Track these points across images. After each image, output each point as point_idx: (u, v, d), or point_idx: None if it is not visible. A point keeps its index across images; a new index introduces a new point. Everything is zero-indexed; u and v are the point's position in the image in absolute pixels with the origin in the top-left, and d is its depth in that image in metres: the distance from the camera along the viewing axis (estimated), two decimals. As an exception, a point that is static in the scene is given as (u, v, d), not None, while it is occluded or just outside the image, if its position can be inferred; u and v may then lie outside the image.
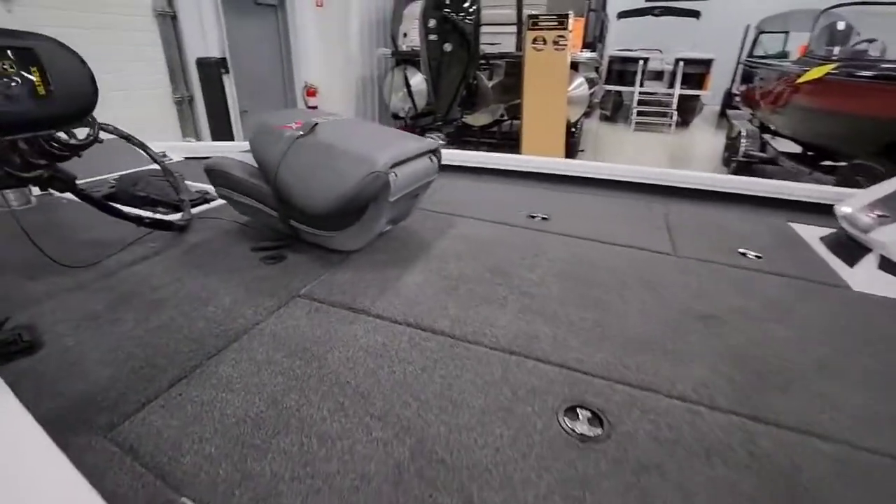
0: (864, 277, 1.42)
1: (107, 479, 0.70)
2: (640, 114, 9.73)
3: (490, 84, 5.64)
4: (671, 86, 9.76)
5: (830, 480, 0.73)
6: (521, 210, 1.90)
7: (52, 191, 1.25)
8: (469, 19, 4.76)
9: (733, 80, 10.50)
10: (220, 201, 1.85)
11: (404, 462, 0.74)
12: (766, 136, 6.19)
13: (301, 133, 1.31)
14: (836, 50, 5.38)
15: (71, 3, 3.73)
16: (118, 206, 1.38)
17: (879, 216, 1.50)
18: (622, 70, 10.26)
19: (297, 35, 6.00)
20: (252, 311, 1.14)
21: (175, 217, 1.62)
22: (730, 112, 9.03)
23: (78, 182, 1.24)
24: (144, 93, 4.45)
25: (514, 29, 5.80)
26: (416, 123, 7.40)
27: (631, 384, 0.93)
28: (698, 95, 9.78)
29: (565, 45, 4.95)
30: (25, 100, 0.63)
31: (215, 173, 1.44)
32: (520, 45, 5.60)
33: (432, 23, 4.68)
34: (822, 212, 1.88)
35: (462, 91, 5.09)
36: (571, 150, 6.20)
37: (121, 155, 2.07)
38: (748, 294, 1.30)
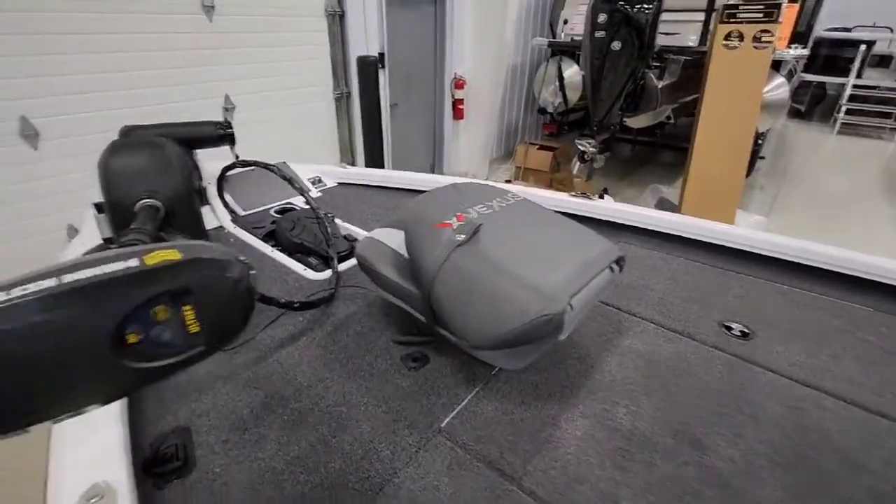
0: None
1: None
2: (849, 112, 7.74)
3: (659, 85, 4.87)
4: (906, 77, 7.53)
5: None
6: (711, 312, 1.49)
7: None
8: (647, 9, 4.09)
9: None
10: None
11: None
12: None
13: (461, 238, 1.12)
14: None
15: (257, 10, 4.06)
16: (268, 297, 1.34)
17: None
18: (832, 55, 8.19)
19: (454, 27, 5.87)
20: (390, 451, 1.02)
21: (326, 276, 1.59)
22: None
23: (242, 214, 1.19)
24: (308, 90, 4.76)
25: (697, 17, 4.88)
26: (564, 120, 6.87)
27: None
28: (948, 92, 7.38)
29: (770, 41, 3.99)
30: (179, 341, 0.52)
31: (365, 266, 1.33)
32: (704, 39, 4.70)
33: (602, 18, 4.12)
34: None
35: (627, 92, 4.47)
36: (752, 162, 5.15)
37: (275, 182, 2.04)
38: None
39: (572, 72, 5.95)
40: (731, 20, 4.09)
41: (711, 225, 1.89)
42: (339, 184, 2.54)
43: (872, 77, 8.08)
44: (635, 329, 1.41)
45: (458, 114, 6.36)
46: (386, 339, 1.35)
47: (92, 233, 1.69)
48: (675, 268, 1.77)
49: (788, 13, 4.48)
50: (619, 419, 1.10)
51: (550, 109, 6.32)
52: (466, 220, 1.17)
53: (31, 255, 3.15)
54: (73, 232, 3.29)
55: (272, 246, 1.84)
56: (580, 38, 5.52)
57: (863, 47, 7.63)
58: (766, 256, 1.77)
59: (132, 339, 0.49)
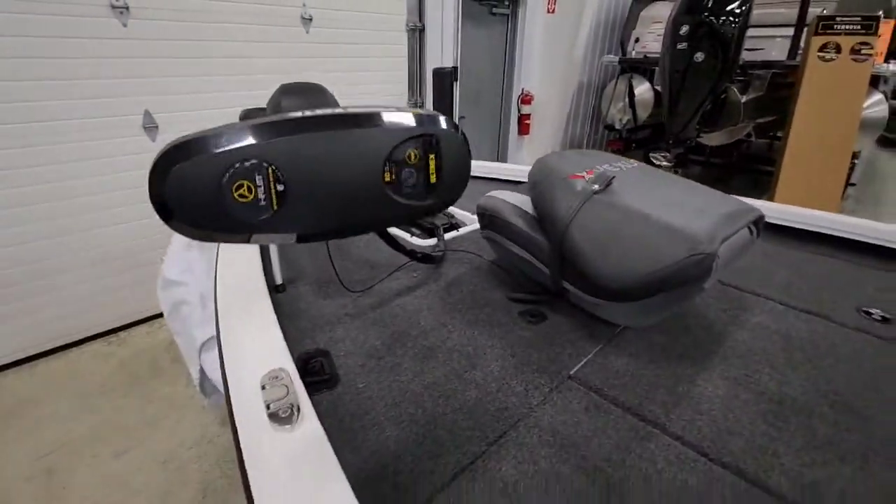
0: None
1: None
2: (953, 141, 7.10)
3: (743, 99, 4.71)
4: None
5: None
6: (848, 299, 1.39)
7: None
8: (734, 22, 4.00)
9: None
10: (467, 228, 1.83)
11: None
12: None
13: (597, 187, 1.12)
14: None
15: (348, 24, 4.36)
16: (392, 232, 1.42)
17: None
18: (931, 80, 7.62)
19: (524, 42, 6.01)
20: (523, 387, 1.01)
21: (430, 243, 1.63)
22: None
23: None
24: (385, 99, 4.99)
25: (786, 32, 4.72)
26: (631, 137, 6.77)
27: None
28: None
29: (869, 54, 3.78)
30: (420, 190, 0.57)
31: (489, 216, 1.38)
32: (794, 53, 4.52)
33: (684, 29, 4.08)
34: None
35: (706, 107, 4.35)
36: (844, 185, 4.81)
37: None
38: None
39: (643, 88, 5.90)
40: (827, 31, 3.92)
41: (833, 216, 1.78)
42: None
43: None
44: (763, 308, 1.34)
45: (523, 129, 6.44)
46: (501, 296, 1.36)
47: None
48: (799, 257, 1.68)
49: (886, 28, 4.24)
50: (765, 383, 1.04)
51: (618, 126, 6.25)
52: (598, 174, 1.18)
53: (151, 234, 3.46)
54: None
55: None
56: (652, 55, 5.47)
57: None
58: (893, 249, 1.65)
59: (388, 177, 0.54)
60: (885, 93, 5.44)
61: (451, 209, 2.04)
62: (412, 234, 1.75)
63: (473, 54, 5.67)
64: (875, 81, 4.39)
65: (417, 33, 4.99)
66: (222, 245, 1.42)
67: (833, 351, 1.16)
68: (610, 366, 1.09)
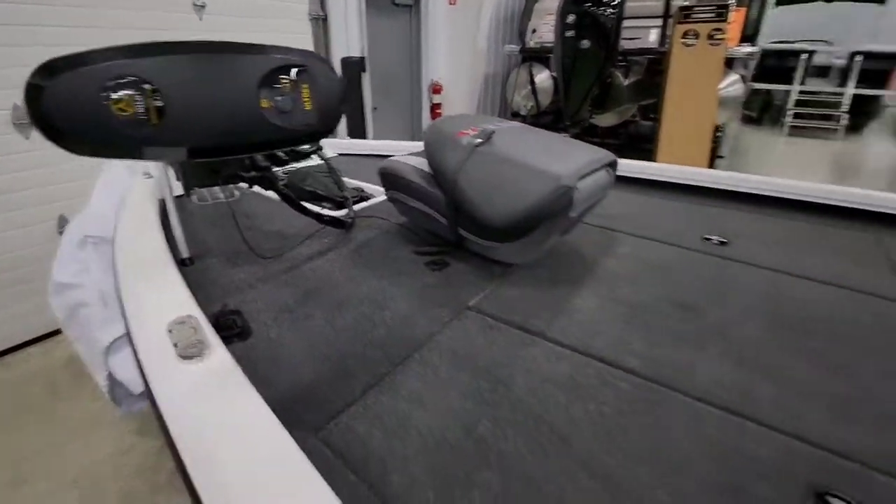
0: None
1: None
2: (796, 116, 8.42)
3: (625, 83, 5.25)
4: (842, 84, 8.29)
5: None
6: (693, 231, 1.69)
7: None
8: (612, 13, 4.45)
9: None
10: (376, 199, 1.92)
11: None
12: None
13: (479, 141, 1.27)
14: None
15: (246, 11, 4.21)
16: (303, 203, 1.48)
17: None
18: (777, 66, 8.93)
19: (429, 34, 6.16)
20: (426, 320, 1.14)
21: (341, 214, 1.70)
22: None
23: None
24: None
25: (657, 22, 5.31)
26: (537, 122, 7.21)
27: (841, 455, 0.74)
28: (878, 96, 8.17)
29: (722, 39, 4.41)
30: (297, 115, 0.66)
31: (390, 176, 1.48)
32: (663, 40, 5.12)
33: (571, 18, 4.46)
34: None
35: (594, 90, 4.80)
36: (712, 157, 5.55)
37: None
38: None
39: (543, 77, 6.31)
40: (687, 20, 4.49)
41: (683, 168, 2.12)
42: (339, 154, 2.67)
43: (814, 84, 8.85)
44: (628, 242, 1.59)
45: (435, 118, 6.61)
46: (408, 252, 1.47)
47: None
48: (656, 203, 1.99)
49: (737, 16, 4.96)
50: (625, 296, 1.25)
51: (523, 112, 6.64)
52: (481, 130, 1.33)
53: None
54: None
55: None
56: (548, 44, 5.88)
57: (804, 56, 8.38)
58: (734, 192, 2.01)
59: (265, 104, 0.61)
60: (743, 76, 6.34)
61: (362, 183, 2.12)
62: (323, 208, 1.81)
63: (381, 45, 5.71)
64: (731, 63, 5.12)
65: (321, 22, 4.93)
66: (120, 225, 1.38)
67: (680, 268, 1.42)
68: (503, 296, 1.25)
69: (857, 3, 9.23)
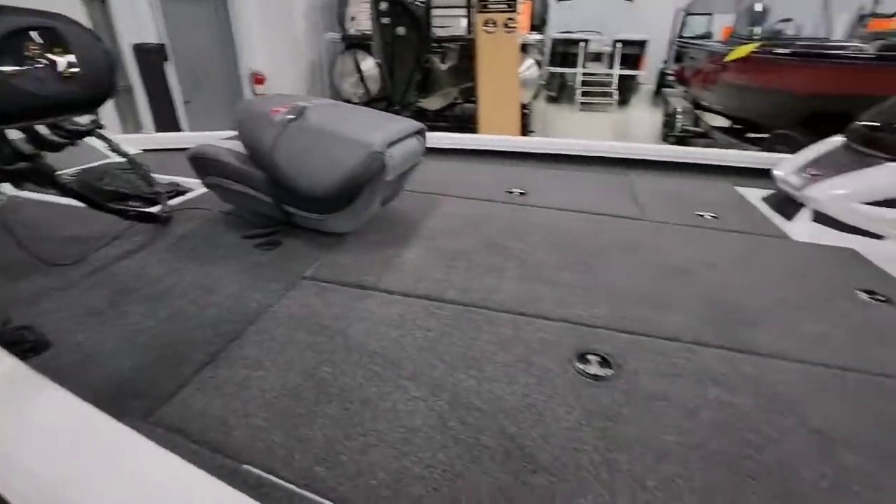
0: (801, 229, 1.63)
1: None
2: (584, 94, 10.09)
3: (443, 67, 5.65)
4: (611, 66, 10.20)
5: (805, 394, 0.88)
6: (499, 187, 1.99)
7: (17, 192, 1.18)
8: (420, 2, 4.74)
9: (666, 61, 11.06)
10: (196, 192, 1.80)
11: (445, 413, 0.81)
12: (699, 112, 6.65)
13: (292, 117, 1.31)
14: (757, 30, 5.85)
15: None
16: (99, 200, 1.33)
17: (812, 175, 1.72)
18: (565, 52, 10.57)
19: (239, 20, 5.71)
20: (261, 295, 1.16)
21: (154, 209, 1.56)
22: (665, 90, 9.60)
23: None
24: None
25: (464, 12, 5.82)
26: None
27: (630, 331, 1.05)
28: (635, 75, 10.29)
29: (515, 27, 5.05)
30: (52, 82, 0.62)
31: (202, 161, 1.41)
32: (470, 28, 5.64)
33: (384, 6, 4.62)
34: (760, 175, 2.10)
35: (416, 75, 5.07)
36: (524, 131, 6.37)
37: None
38: (709, 249, 1.47)
39: (369, 64, 6.40)
40: (486, 10, 5.03)
41: (489, 137, 2.48)
42: (144, 150, 2.39)
43: (593, 68, 10.73)
44: (446, 203, 1.80)
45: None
46: (236, 238, 1.44)
47: None
48: (471, 168, 2.27)
49: (525, 7, 5.72)
50: (445, 245, 1.45)
51: (355, 100, 6.66)
52: (293, 107, 1.36)
53: None
54: None
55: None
56: (368, 31, 5.97)
57: (582, 44, 10.06)
58: (533, 153, 2.41)
59: (11, 71, 0.57)
60: (539, 61, 7.33)
61: (177, 178, 1.95)
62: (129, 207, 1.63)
63: (185, 33, 5.10)
64: (526, 49, 5.90)
65: (98, 3, 4.19)
66: None
67: (490, 217, 1.67)
68: (337, 262, 1.33)
69: (613, 0, 11.39)
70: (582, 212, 1.74)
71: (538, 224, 1.63)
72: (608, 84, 10.04)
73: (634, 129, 8.59)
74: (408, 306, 1.13)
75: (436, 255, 1.39)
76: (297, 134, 1.28)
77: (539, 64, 7.73)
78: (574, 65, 10.41)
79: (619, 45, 9.94)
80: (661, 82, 10.88)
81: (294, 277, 1.24)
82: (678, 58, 9.02)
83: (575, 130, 8.52)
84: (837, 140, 1.82)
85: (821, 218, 1.64)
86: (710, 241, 1.54)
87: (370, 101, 6.70)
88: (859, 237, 1.55)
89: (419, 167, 2.13)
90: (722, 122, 6.22)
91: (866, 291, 1.24)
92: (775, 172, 1.87)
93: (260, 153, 1.30)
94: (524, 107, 5.95)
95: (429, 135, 2.48)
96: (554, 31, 11.08)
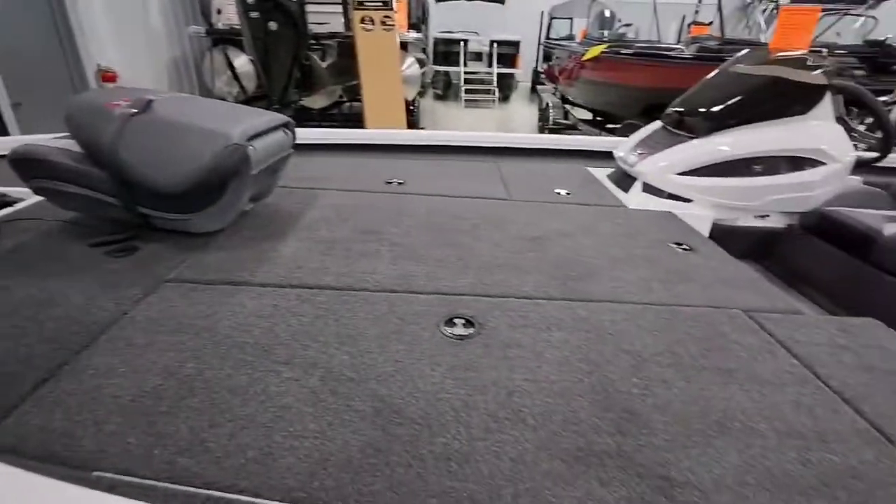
0: (634, 198, 1.93)
1: None
2: (467, 91, 10.56)
3: (324, 65, 5.53)
4: (490, 65, 10.81)
5: (624, 326, 1.07)
6: (379, 178, 2.04)
7: None
8: (292, -3, 4.58)
9: (537, 60, 12.01)
10: (28, 201, 1.58)
11: (316, 388, 0.85)
12: (567, 106, 7.38)
13: (135, 111, 1.22)
14: (606, 33, 6.65)
15: None
16: None
17: (640, 154, 2.03)
18: (447, 51, 10.97)
19: (78, 8, 4.99)
20: (114, 303, 1.07)
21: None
22: (539, 87, 10.43)
23: None
24: None
25: (341, 9, 5.74)
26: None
27: (491, 295, 1.17)
28: (512, 73, 11.04)
29: (392, 25, 5.12)
30: None
31: (28, 163, 1.24)
32: (349, 25, 5.59)
33: (250, -1, 4.38)
34: (607, 157, 2.43)
35: (296, 73, 4.90)
36: (411, 128, 6.49)
37: None
38: (564, 220, 1.68)
39: (243, 61, 6.02)
40: (363, 7, 5.02)
41: (371, 132, 2.51)
42: None
43: (474, 66, 11.27)
44: (325, 196, 1.81)
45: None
46: (81, 247, 1.30)
47: None
48: (352, 162, 2.30)
49: (400, 6, 5.81)
50: (322, 235, 1.46)
51: (230, 100, 6.22)
52: (136, 100, 1.27)
53: None
54: None
55: None
56: (238, 25, 5.62)
57: (462, 44, 10.51)
58: (410, 145, 2.50)
59: None
60: (422, 59, 7.50)
61: (3, 189, 1.69)
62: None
63: (7, 22, 4.32)
64: (405, 47, 6.02)
65: None
66: None
67: (368, 207, 1.72)
68: (205, 262, 1.27)
69: (487, 3, 12.05)
70: (455, 196, 1.86)
71: (415, 210, 1.71)
72: (489, 82, 10.62)
73: (515, 123, 9.21)
74: (282, 297, 1.13)
75: (312, 245, 1.39)
76: (143, 128, 1.20)
77: (422, 62, 7.93)
78: (457, 63, 10.83)
79: (495, 45, 10.56)
80: (536, 80, 11.82)
81: (154, 282, 1.16)
82: (546, 57, 9.88)
83: (462, 125, 8.90)
84: (657, 124, 2.17)
85: (648, 188, 1.96)
86: (563, 213, 1.75)
87: (248, 101, 6.31)
88: (675, 202, 1.89)
89: (299, 164, 2.10)
90: (586, 114, 6.97)
91: (676, 244, 1.52)
92: (615, 153, 2.18)
93: (99, 151, 1.19)
94: (410, 104, 6.07)
95: (309, 131, 2.47)
96: (435, 31, 11.44)
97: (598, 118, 6.57)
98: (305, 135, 2.46)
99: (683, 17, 9.00)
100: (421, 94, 11.16)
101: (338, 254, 1.35)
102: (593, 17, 7.35)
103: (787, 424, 0.81)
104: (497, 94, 10.45)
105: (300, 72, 5.08)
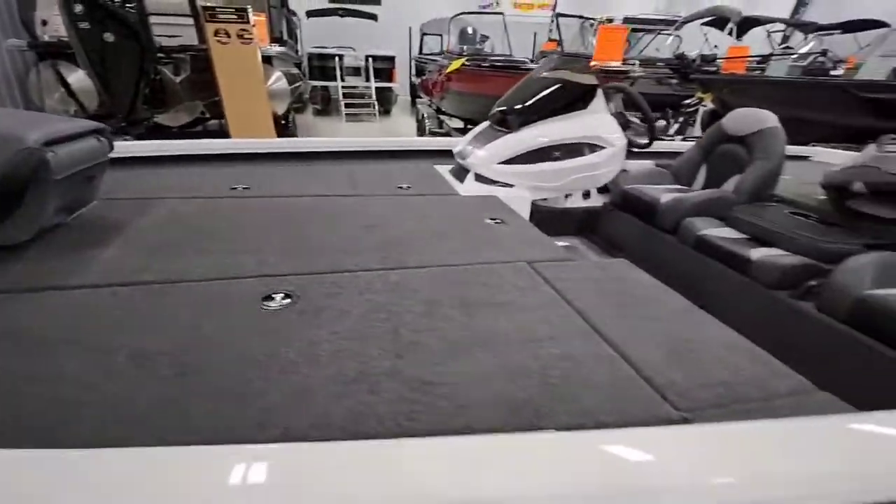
0: (466, 187, 2.19)
1: None
2: (347, 105, 10.60)
3: (177, 80, 5.21)
4: (368, 80, 10.99)
5: (429, 284, 1.25)
6: (224, 185, 2.05)
7: None
8: (130, 7, 4.27)
9: (410, 75, 12.47)
10: None
11: (122, 366, 0.88)
12: (442, 117, 7.83)
13: None
14: (465, 48, 7.22)
15: None
16: None
17: (471, 149, 2.31)
18: (323, 66, 10.91)
19: None
20: None
21: None
22: (419, 100, 10.87)
23: None
24: None
25: (192, 21, 5.47)
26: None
27: (316, 272, 1.29)
28: (391, 87, 11.34)
29: (251, 38, 5.03)
30: None
31: None
32: (202, 38, 5.34)
33: (79, 8, 4.00)
34: (452, 155, 2.70)
35: (143, 88, 4.56)
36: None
37: None
38: (401, 209, 1.86)
39: (79, 76, 5.41)
40: (215, 20, 4.86)
41: (222, 141, 2.49)
42: None
43: (353, 81, 11.37)
44: (158, 205, 1.77)
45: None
46: None
47: None
48: (194, 172, 2.26)
49: (260, 20, 5.72)
50: (151, 239, 1.45)
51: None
52: None
53: None
54: None
55: None
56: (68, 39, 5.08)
57: (337, 58, 10.55)
58: (260, 153, 2.53)
59: None
60: (297, 74, 7.37)
61: None
62: None
63: None
64: (269, 61, 5.91)
65: None
66: None
67: (209, 212, 1.73)
68: (14, 271, 1.21)
69: (361, 19, 12.27)
70: (299, 196, 1.95)
71: (255, 211, 1.76)
72: (368, 96, 10.79)
73: (395, 134, 9.48)
74: (95, 295, 1.13)
75: (137, 249, 1.38)
76: None
77: (296, 77, 7.83)
78: (334, 78, 10.84)
79: (370, 60, 10.77)
80: (415, 93, 12.27)
81: None
82: (420, 72, 10.35)
83: (342, 138, 8.93)
84: (486, 123, 2.49)
85: (479, 178, 2.24)
86: (401, 203, 1.94)
87: (92, 118, 5.69)
88: (501, 187, 2.18)
89: (136, 176, 2.02)
90: (458, 123, 7.47)
91: (492, 219, 1.79)
92: (454, 150, 2.45)
93: None
94: (283, 119, 5.96)
95: (149, 143, 2.36)
96: (309, 46, 11.33)
97: (469, 125, 7.07)
98: (143, 147, 2.37)
99: (535, 34, 10.10)
100: (299, 109, 10.98)
101: (164, 254, 1.36)
102: (456, 33, 7.93)
103: (532, 333, 1.05)
104: (377, 107, 10.65)
105: (149, 87, 4.73)
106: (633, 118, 2.57)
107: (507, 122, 2.28)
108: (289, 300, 1.14)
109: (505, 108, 2.37)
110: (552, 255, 1.50)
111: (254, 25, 5.14)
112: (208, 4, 4.86)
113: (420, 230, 1.64)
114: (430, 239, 1.57)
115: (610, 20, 9.47)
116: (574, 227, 2.66)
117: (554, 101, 2.22)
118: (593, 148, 2.18)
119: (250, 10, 5.06)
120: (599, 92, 2.18)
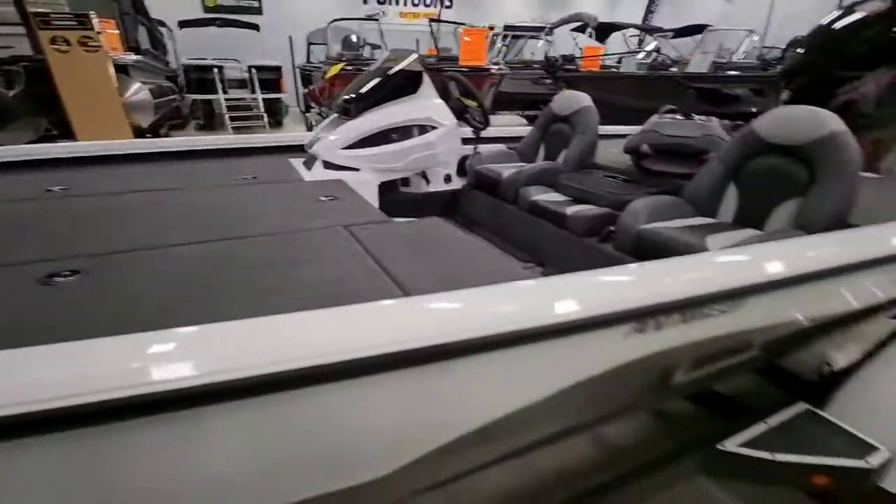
0: (314, 174, 2.25)
1: None
2: (233, 118, 10.10)
3: (10, 94, 4.62)
4: (254, 91, 10.55)
5: (240, 249, 1.29)
6: (38, 189, 1.90)
7: None
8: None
9: (297, 85, 12.19)
10: None
11: None
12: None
13: None
14: (345, 53, 7.27)
15: None
16: None
17: (319, 138, 2.37)
18: (201, 78, 10.27)
19: None
20: None
21: None
22: (313, 109, 10.67)
23: None
24: None
25: (23, 29, 4.91)
26: None
27: (120, 251, 1.27)
28: (279, 98, 11.00)
29: (97, 46, 4.64)
30: None
31: None
32: (37, 48, 4.81)
33: None
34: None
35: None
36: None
37: None
38: (237, 196, 1.86)
39: None
40: (50, 28, 4.41)
41: (27, 147, 2.30)
42: None
43: (237, 93, 10.85)
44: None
45: None
46: None
47: None
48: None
49: (106, 27, 5.28)
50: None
51: None
52: None
53: None
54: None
55: None
56: None
57: (216, 70, 10.01)
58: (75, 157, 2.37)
59: None
60: (172, 87, 6.87)
61: None
62: None
63: None
64: (126, 71, 5.47)
65: None
66: None
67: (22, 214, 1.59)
68: None
69: (242, 29, 11.77)
70: (125, 192, 1.87)
71: (74, 210, 1.66)
72: (255, 107, 10.37)
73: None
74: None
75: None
76: None
77: (170, 90, 7.32)
78: (215, 91, 10.26)
79: (254, 71, 10.37)
80: (308, 103, 12.00)
81: None
82: (305, 81, 10.18)
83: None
84: (334, 114, 2.56)
85: (327, 164, 2.30)
86: (238, 191, 1.94)
87: None
88: (347, 172, 2.27)
89: None
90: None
91: (326, 197, 1.86)
92: (305, 142, 2.48)
93: None
94: (151, 133, 5.54)
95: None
96: (185, 57, 10.62)
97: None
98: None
99: (417, 41, 10.43)
100: (179, 125, 10.25)
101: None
102: (337, 40, 7.95)
103: (333, 276, 1.15)
104: (266, 119, 10.28)
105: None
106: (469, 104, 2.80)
107: (349, 111, 2.37)
108: (77, 276, 1.11)
109: (346, 97, 2.46)
110: (370, 220, 1.61)
111: (99, 32, 4.75)
112: (40, 10, 4.40)
113: (255, 212, 1.67)
114: (259, 217, 1.60)
115: (492, 27, 10.11)
116: (437, 209, 2.83)
117: (386, 88, 2.36)
118: (425, 129, 2.35)
119: (94, 15, 4.67)
120: (426, 78, 2.36)
